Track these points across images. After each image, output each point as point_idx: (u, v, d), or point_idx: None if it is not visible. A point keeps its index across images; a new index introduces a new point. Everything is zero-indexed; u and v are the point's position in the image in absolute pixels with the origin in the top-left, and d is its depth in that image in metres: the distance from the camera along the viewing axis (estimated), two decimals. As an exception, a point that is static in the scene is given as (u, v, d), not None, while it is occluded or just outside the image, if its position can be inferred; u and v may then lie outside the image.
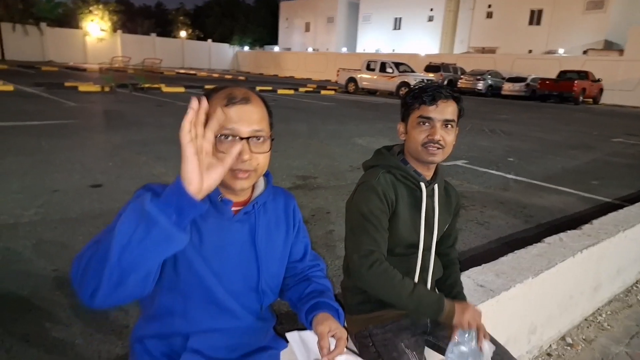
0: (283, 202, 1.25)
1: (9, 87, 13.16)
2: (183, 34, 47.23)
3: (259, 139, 1.03)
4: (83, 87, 14.69)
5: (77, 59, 35.73)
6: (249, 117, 1.02)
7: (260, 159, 1.05)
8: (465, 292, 1.77)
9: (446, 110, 1.39)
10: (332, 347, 1.06)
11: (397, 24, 42.45)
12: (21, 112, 9.03)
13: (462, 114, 1.47)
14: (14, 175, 4.67)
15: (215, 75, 30.80)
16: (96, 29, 38.45)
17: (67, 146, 6.08)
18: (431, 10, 39.91)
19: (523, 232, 4.01)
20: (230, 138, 1.00)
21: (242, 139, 1.00)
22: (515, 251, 2.50)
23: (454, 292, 1.61)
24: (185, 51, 43.87)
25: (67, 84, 15.22)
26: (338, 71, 23.67)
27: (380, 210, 1.40)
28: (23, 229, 3.35)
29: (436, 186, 1.52)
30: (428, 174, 1.51)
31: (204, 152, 0.85)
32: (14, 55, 32.59)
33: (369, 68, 21.70)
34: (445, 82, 25.31)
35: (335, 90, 22.45)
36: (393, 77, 20.53)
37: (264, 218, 1.17)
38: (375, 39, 43.33)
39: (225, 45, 47.68)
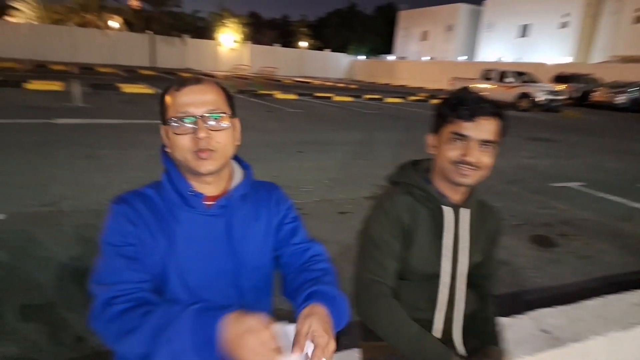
0: (265, 194, 1.19)
1: (150, 90, 14.95)
2: (303, 44, 49.39)
3: (216, 118, 1.02)
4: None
5: (210, 67, 39.37)
6: (201, 97, 1.02)
7: (220, 138, 1.03)
8: (521, 335, 1.52)
9: (486, 128, 1.20)
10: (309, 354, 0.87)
11: (523, 32, 39.43)
12: (156, 112, 10.17)
13: (505, 132, 1.26)
14: (128, 166, 5.26)
15: (329, 83, 31.60)
16: (228, 40, 42.00)
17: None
18: (566, 15, 36.30)
19: (636, 275, 3.38)
20: (186, 120, 1.00)
21: (195, 117, 1.00)
22: (606, 295, 2.10)
23: (485, 331, 1.38)
24: (304, 60, 45.82)
25: (195, 89, 16.77)
26: (451, 80, 22.71)
27: (390, 235, 1.25)
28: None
29: (465, 210, 1.31)
30: (456, 196, 1.31)
31: None
32: (161, 63, 37.07)
33: (486, 77, 20.45)
34: (579, 95, 22.85)
35: (448, 100, 21.51)
36: (512, 87, 19.07)
37: (241, 211, 1.12)
38: (497, 48, 40.78)
39: (341, 55, 48.76)
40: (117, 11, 37.14)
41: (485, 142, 1.20)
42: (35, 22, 34.05)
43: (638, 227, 4.49)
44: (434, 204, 1.29)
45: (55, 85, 13.60)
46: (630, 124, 16.03)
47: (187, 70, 34.73)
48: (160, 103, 1.08)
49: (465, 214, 1.31)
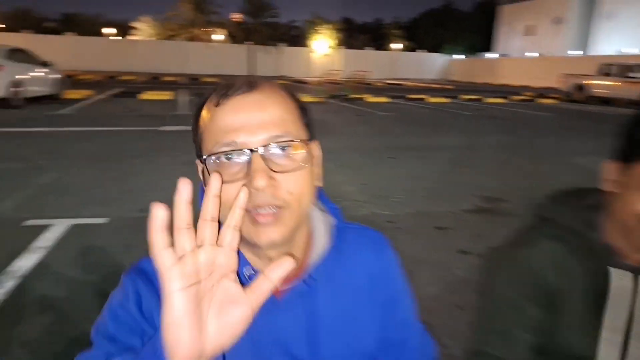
0: (369, 258, 0.78)
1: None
2: (396, 46, 48.66)
3: (283, 149, 0.61)
4: (302, 99, 16.42)
5: (303, 73, 40.41)
6: (258, 115, 0.61)
7: (293, 185, 0.61)
8: None
9: None
10: None
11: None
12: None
13: None
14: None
15: (422, 84, 30.65)
16: (322, 46, 42.81)
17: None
18: None
19: None
20: (232, 159, 0.60)
21: (251, 152, 0.59)
22: None
23: None
24: (396, 62, 45.16)
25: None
26: (562, 77, 20.65)
27: (523, 297, 0.87)
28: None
29: None
30: (637, 255, 0.83)
31: (196, 274, 0.48)
32: (259, 71, 38.87)
33: (605, 73, 18.26)
34: None
35: (557, 98, 19.69)
36: (638, 83, 16.78)
37: (330, 295, 0.72)
38: (618, 39, 36.43)
39: (435, 55, 47.23)
40: (221, 25, 39.77)
41: None
42: (151, 39, 37.75)
43: None
44: (599, 263, 0.85)
45: (165, 95, 14.77)
46: None
47: (282, 77, 36.02)
48: (194, 122, 0.68)
49: None
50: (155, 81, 23.81)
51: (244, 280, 0.65)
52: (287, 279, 0.67)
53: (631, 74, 17.25)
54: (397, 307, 0.79)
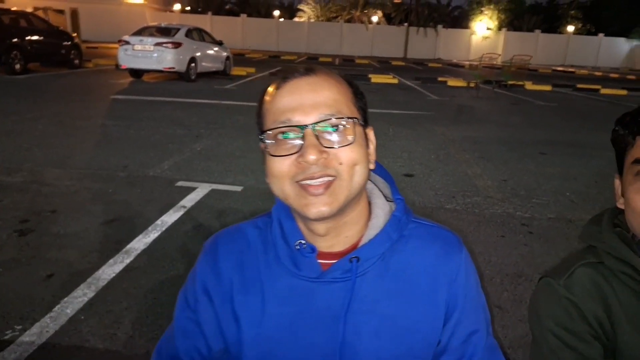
0: (432, 256, 0.74)
1: (395, 80, 15.50)
2: (570, 28, 42.73)
3: (334, 127, 0.65)
4: (451, 82, 15.63)
5: (460, 56, 38.27)
6: (312, 97, 0.66)
7: (343, 156, 0.65)
8: None
9: None
10: None
11: None
12: (392, 102, 10.43)
13: None
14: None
15: (598, 73, 26.59)
16: (483, 27, 39.88)
17: (409, 135, 6.57)
18: None
19: None
20: (288, 135, 0.66)
21: (302, 128, 0.65)
22: None
23: None
24: (570, 47, 39.72)
25: (440, 78, 16.54)
26: None
27: (570, 334, 0.78)
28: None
29: None
30: None
31: None
32: (413, 54, 38.04)
33: None
34: None
35: None
36: None
37: (376, 279, 0.72)
38: None
39: (620, 40, 40.14)
40: (379, 6, 39.68)
41: None
42: (313, 20, 39.58)
43: None
44: None
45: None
46: None
47: (436, 60, 34.67)
48: (257, 107, 0.74)
49: None
50: (311, 61, 25.02)
51: (294, 251, 0.72)
52: (336, 255, 0.72)
53: None
54: (463, 316, 0.74)
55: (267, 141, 0.68)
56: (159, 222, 3.29)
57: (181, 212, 3.48)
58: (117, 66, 11.87)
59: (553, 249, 3.18)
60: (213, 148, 5.46)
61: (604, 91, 14.86)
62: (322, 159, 0.64)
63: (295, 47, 36.12)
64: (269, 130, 0.68)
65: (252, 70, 15.60)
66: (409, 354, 0.72)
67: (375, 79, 15.64)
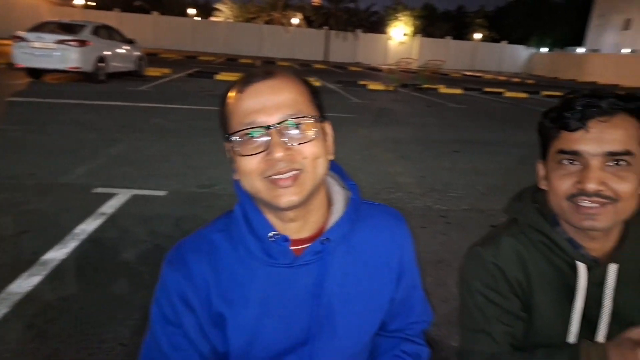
0: (386, 231, 0.89)
1: (318, 83, 15.70)
2: (477, 36, 46.26)
3: (296, 126, 0.72)
4: (372, 86, 16.18)
5: (379, 60, 39.79)
6: (274, 98, 0.72)
7: (307, 151, 0.73)
8: None
9: (609, 135, 0.81)
10: None
11: None
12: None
13: None
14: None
15: (502, 77, 28.99)
16: (399, 33, 41.81)
17: (334, 137, 6.72)
18: None
19: None
20: (254, 134, 0.72)
21: (267, 128, 0.71)
22: None
23: None
24: (476, 53, 42.93)
25: (360, 82, 17.06)
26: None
27: (498, 293, 0.93)
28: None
29: (614, 267, 0.89)
30: (594, 245, 0.90)
31: None
32: (334, 57, 38.86)
33: None
34: None
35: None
36: None
37: (345, 256, 0.82)
38: None
39: (521, 47, 44.25)
40: (299, 9, 40.05)
41: (614, 156, 0.81)
42: (232, 21, 38.93)
43: None
44: (563, 257, 0.90)
45: (238, 77, 15.19)
46: None
47: (356, 64, 35.71)
48: (220, 110, 0.79)
49: (612, 272, 0.89)
50: (232, 63, 24.63)
51: (266, 243, 0.78)
52: (305, 240, 0.80)
53: None
54: (407, 274, 0.91)
55: (234, 140, 0.73)
56: (77, 230, 3.08)
57: (102, 219, 3.29)
58: (11, 65, 10.67)
59: (468, 237, 3.44)
60: (130, 152, 5.20)
61: (507, 94, 16.25)
62: (288, 155, 0.71)
63: (213, 48, 35.25)
64: (236, 132, 0.73)
65: (167, 71, 15.01)
66: (373, 313, 0.87)
67: (298, 81, 15.74)
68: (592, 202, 0.81)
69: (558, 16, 45.75)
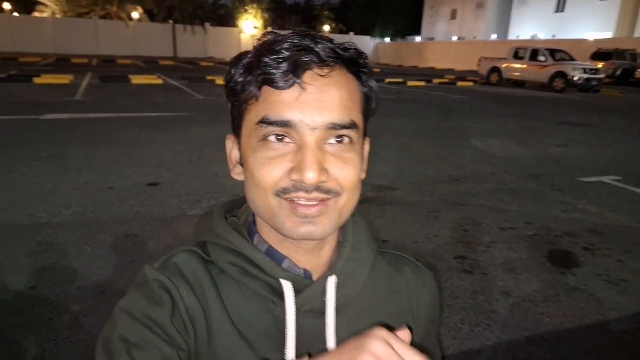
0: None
1: (159, 81, 14.63)
2: (326, 28, 48.31)
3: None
4: (220, 80, 15.64)
5: (231, 54, 38.85)
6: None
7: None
8: None
9: (330, 97, 0.54)
10: None
11: (560, 6, 37.01)
12: (151, 104, 9.72)
13: (372, 104, 0.62)
14: (88, 168, 4.72)
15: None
16: (250, 26, 41.50)
17: (161, 140, 6.13)
18: (607, -14, 33.77)
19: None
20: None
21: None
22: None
23: None
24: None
25: (208, 77, 16.38)
26: (479, 61, 21.36)
27: (152, 322, 0.54)
28: (45, 230, 3.16)
29: (331, 282, 0.61)
30: (305, 258, 0.62)
31: None
32: (183, 52, 36.93)
33: (516, 56, 19.06)
34: (618, 73, 21.10)
35: (475, 81, 20.38)
36: (545, 66, 17.66)
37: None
38: (531, 25, 38.60)
39: (366, 38, 47.52)
40: (138, 2, 37.09)
41: (335, 130, 0.54)
42: (60, 16, 34.45)
43: (688, 235, 3.60)
44: (261, 278, 0.59)
45: (64, 79, 13.40)
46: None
47: (208, 59, 34.51)
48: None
49: (331, 292, 0.60)
50: (62, 63, 21.78)
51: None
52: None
53: (539, 58, 18.15)
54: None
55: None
56: None
57: None
58: None
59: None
60: None
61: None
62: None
63: (38, 47, 30.97)
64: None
65: (-29, 75, 12.57)
66: None
67: (137, 79, 14.51)
68: (310, 198, 0.54)
69: (396, 7, 50.08)
